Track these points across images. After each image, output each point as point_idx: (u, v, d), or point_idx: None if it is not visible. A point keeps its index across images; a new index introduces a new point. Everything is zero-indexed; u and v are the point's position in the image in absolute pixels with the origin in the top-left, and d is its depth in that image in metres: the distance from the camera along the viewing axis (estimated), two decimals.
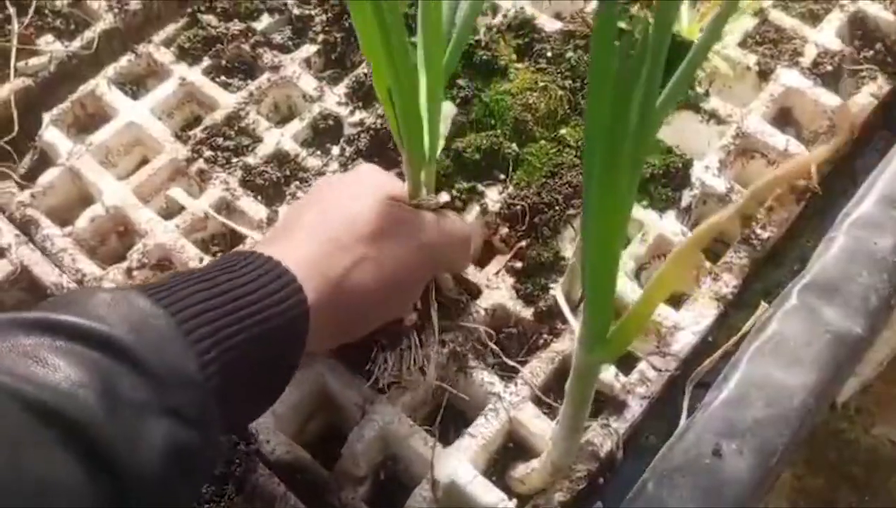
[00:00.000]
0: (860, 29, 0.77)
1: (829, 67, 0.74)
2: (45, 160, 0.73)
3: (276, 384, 0.49)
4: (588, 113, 0.36)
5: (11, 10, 0.79)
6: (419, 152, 0.55)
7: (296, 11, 0.80)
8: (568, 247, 0.65)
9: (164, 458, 0.39)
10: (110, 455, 0.37)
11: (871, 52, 0.75)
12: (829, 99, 0.72)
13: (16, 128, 0.73)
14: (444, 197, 0.60)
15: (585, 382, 0.47)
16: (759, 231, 0.67)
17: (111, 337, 0.40)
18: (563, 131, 0.70)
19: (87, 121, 0.76)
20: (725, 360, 0.58)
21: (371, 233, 0.53)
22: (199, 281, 0.45)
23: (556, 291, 0.60)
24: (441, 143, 0.59)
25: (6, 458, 0.34)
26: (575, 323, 0.57)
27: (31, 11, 0.80)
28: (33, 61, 0.78)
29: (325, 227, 0.53)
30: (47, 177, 0.71)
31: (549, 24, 0.78)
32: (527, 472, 0.55)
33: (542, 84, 0.72)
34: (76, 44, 0.79)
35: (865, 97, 0.72)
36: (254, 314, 0.45)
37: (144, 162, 0.73)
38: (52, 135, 0.73)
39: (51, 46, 0.79)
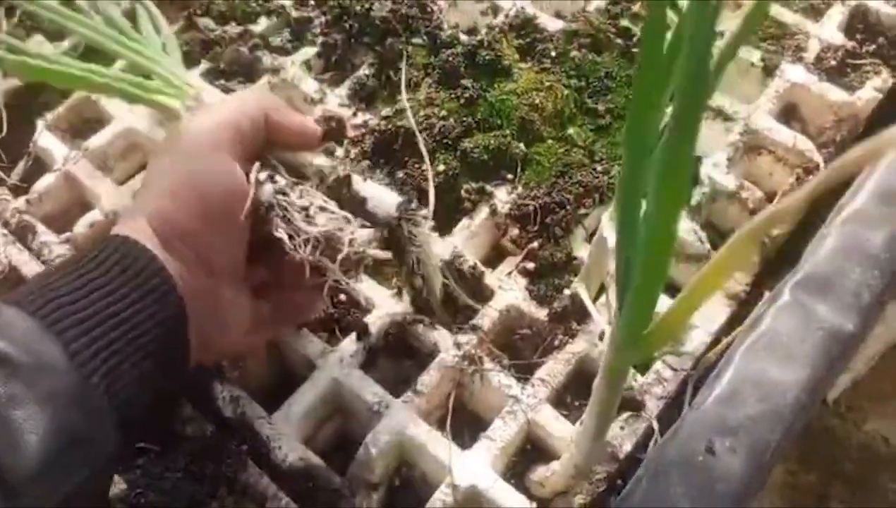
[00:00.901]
0: (862, 23, 0.77)
1: (833, 62, 0.74)
2: (39, 166, 0.71)
3: (166, 351, 0.48)
4: (636, 100, 0.36)
5: (1, 11, 0.77)
6: None
7: (294, 14, 0.79)
8: (580, 247, 0.64)
9: (44, 442, 0.39)
10: None
11: (874, 46, 0.75)
12: (835, 94, 0.71)
13: (5, 128, 0.71)
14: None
15: (615, 383, 0.46)
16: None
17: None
18: (570, 131, 0.69)
19: (83, 126, 0.74)
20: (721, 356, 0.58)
21: (150, 169, 0.54)
22: (60, 281, 0.45)
23: (580, 288, 0.59)
24: None
25: None
26: (600, 321, 0.57)
27: (18, 12, 0.78)
28: None
29: (138, 194, 0.54)
30: (43, 183, 0.69)
31: (550, 24, 0.77)
32: (547, 475, 0.54)
33: (547, 83, 0.71)
34: (65, 45, 0.77)
35: (869, 91, 0.72)
36: (112, 292, 0.46)
37: (142, 167, 0.71)
38: (46, 140, 0.71)
39: (40, 47, 0.77)
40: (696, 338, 0.61)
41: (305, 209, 0.52)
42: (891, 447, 1.03)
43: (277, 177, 0.53)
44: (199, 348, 0.50)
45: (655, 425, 0.57)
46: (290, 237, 0.50)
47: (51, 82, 0.61)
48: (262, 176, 0.52)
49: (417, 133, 0.65)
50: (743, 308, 0.64)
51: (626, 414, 0.58)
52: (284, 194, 0.52)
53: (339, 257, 0.51)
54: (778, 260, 0.67)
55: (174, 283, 0.48)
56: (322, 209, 0.52)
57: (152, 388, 0.48)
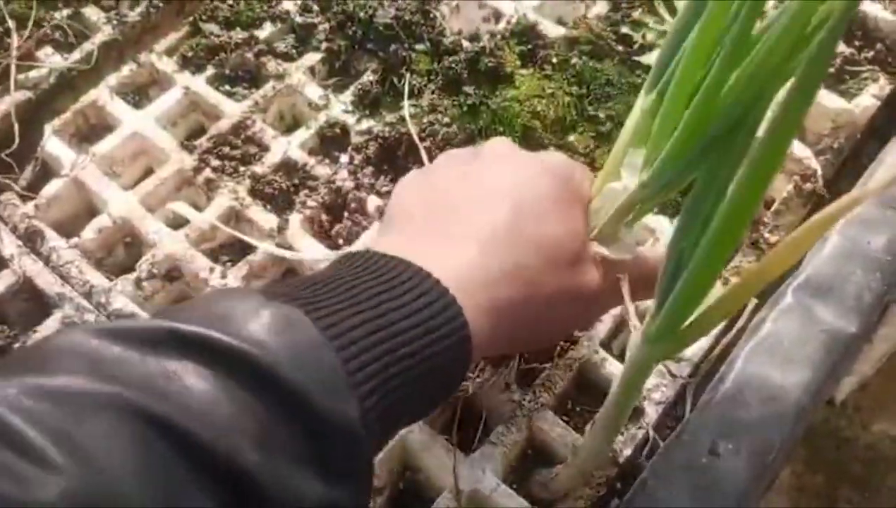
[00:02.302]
0: (860, 29, 0.78)
1: (831, 69, 0.74)
2: (47, 171, 0.72)
3: (422, 416, 0.47)
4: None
5: (11, 24, 0.78)
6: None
7: (298, 20, 0.80)
8: None
9: None
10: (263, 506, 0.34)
11: (872, 53, 0.75)
12: (833, 101, 0.72)
13: (17, 140, 0.72)
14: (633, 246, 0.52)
15: (638, 379, 0.47)
16: (766, 235, 0.67)
17: (273, 373, 0.35)
18: (571, 138, 0.70)
19: (90, 131, 0.75)
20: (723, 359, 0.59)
21: (557, 263, 0.45)
22: (363, 304, 0.40)
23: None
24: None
25: (157, 496, 0.31)
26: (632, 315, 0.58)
27: (30, 24, 0.79)
28: (33, 74, 0.77)
29: (492, 228, 0.45)
30: (51, 188, 0.70)
31: (552, 31, 0.78)
32: (551, 477, 0.55)
33: (549, 91, 0.72)
34: (75, 56, 0.78)
35: (867, 98, 0.73)
36: (416, 351, 0.40)
37: (149, 172, 0.72)
38: (54, 145, 0.72)
39: (50, 59, 0.78)
40: (696, 344, 0.62)
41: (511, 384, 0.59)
42: None
43: None
44: None
45: (651, 433, 0.58)
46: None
47: None
48: None
49: (418, 141, 0.66)
50: (741, 313, 0.65)
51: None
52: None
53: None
54: None
55: (469, 361, 0.43)
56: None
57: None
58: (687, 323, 0.43)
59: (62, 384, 0.32)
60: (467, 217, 0.46)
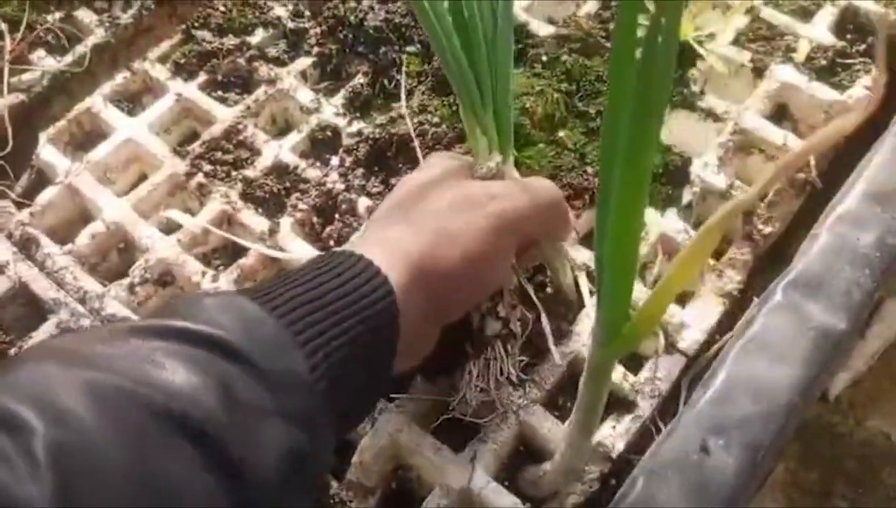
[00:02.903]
0: (852, 23, 0.78)
1: (823, 62, 0.74)
2: (42, 179, 0.73)
3: (377, 385, 0.49)
4: (608, 113, 0.37)
5: (3, 27, 0.79)
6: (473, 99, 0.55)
7: (290, 25, 0.81)
8: (572, 249, 0.65)
9: (281, 461, 0.39)
10: (234, 458, 0.37)
11: (864, 46, 0.75)
12: (825, 93, 0.72)
13: (10, 143, 0.73)
14: (497, 157, 0.57)
15: (600, 379, 0.47)
16: (760, 226, 0.67)
17: (223, 339, 0.40)
18: (561, 134, 0.70)
19: (84, 138, 0.75)
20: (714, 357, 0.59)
21: (439, 211, 0.52)
22: (298, 284, 0.45)
23: (581, 277, 0.61)
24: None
25: (134, 461, 0.34)
26: (589, 307, 0.58)
27: (22, 27, 0.80)
28: (26, 77, 0.78)
29: (400, 214, 0.53)
30: (46, 195, 0.70)
31: (542, 29, 0.78)
32: (539, 475, 0.55)
33: (538, 88, 0.72)
34: (68, 58, 0.79)
35: (859, 90, 0.72)
36: (352, 314, 0.45)
37: (143, 178, 0.73)
38: (49, 153, 0.73)
39: (43, 62, 0.79)
40: (689, 337, 0.62)
41: (505, 374, 0.56)
42: (892, 443, 1.03)
43: (511, 324, 0.56)
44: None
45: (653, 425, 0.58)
46: (476, 376, 0.55)
47: None
48: (501, 311, 0.56)
49: (416, 140, 0.67)
50: (736, 306, 0.65)
51: (617, 414, 0.59)
52: (504, 347, 0.56)
53: (483, 421, 0.57)
54: (770, 259, 0.68)
55: (398, 320, 0.48)
56: (512, 380, 0.57)
57: (364, 410, 0.49)
58: (627, 325, 0.43)
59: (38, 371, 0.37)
60: (384, 215, 0.55)
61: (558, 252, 0.60)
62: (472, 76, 0.55)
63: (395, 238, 0.51)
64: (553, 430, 0.57)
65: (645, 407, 0.59)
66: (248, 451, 0.38)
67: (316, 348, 0.43)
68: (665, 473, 0.50)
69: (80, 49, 0.79)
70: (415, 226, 0.51)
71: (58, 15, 0.82)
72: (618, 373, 0.59)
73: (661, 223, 0.67)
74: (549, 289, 0.62)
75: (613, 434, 0.57)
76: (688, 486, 0.50)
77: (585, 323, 0.61)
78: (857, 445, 1.02)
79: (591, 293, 0.63)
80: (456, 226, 0.51)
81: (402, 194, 0.55)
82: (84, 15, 0.82)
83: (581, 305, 0.63)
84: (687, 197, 0.68)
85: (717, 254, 0.66)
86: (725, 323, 0.63)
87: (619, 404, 0.59)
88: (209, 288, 0.64)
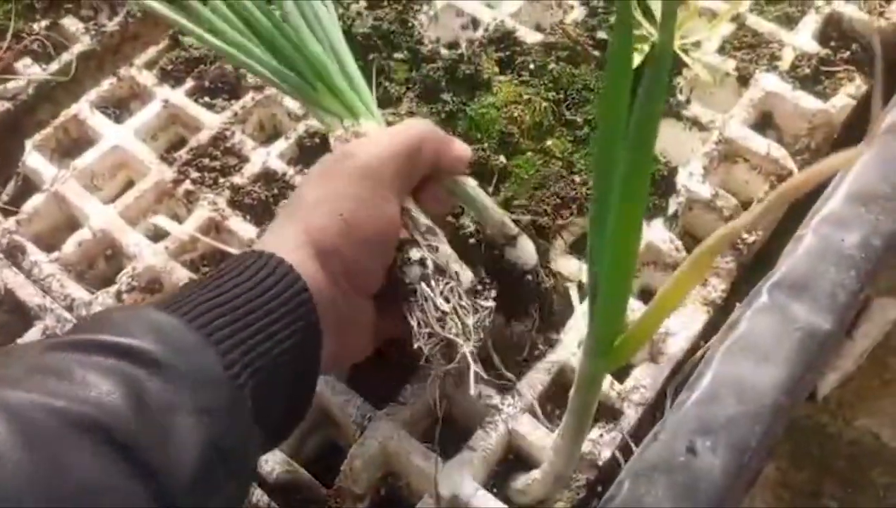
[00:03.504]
0: (836, 30, 0.78)
1: (807, 70, 0.75)
2: (29, 186, 0.72)
3: (306, 378, 0.50)
4: (601, 128, 0.37)
5: None
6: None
7: None
8: (558, 258, 0.66)
9: (200, 456, 0.40)
10: (144, 457, 0.38)
11: (848, 53, 0.76)
12: (809, 102, 0.73)
13: None
14: (346, 123, 0.59)
15: (590, 390, 0.47)
16: (745, 235, 0.68)
17: (133, 346, 0.41)
18: (549, 142, 0.71)
19: (71, 145, 0.75)
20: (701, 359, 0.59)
21: (311, 192, 0.54)
22: (207, 289, 0.47)
23: (571, 289, 0.61)
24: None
25: (48, 466, 0.35)
26: (581, 314, 0.58)
27: (8, 35, 0.80)
28: (11, 85, 0.77)
29: (287, 213, 0.55)
30: (32, 203, 0.70)
31: (529, 37, 0.78)
32: (528, 483, 0.56)
33: (526, 96, 0.72)
34: (54, 67, 0.79)
35: (843, 98, 0.73)
36: (259, 307, 0.46)
37: (130, 185, 0.73)
38: (35, 160, 0.72)
39: (29, 70, 0.78)
40: (675, 345, 0.62)
41: (442, 311, 0.54)
42: (881, 442, 1.04)
43: (428, 261, 0.55)
44: (328, 357, 0.51)
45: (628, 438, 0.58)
46: (419, 325, 0.54)
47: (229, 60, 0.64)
48: (415, 254, 0.55)
49: None
50: (720, 314, 0.65)
51: (604, 422, 0.59)
52: (429, 284, 0.54)
53: (450, 366, 0.54)
54: (754, 267, 0.68)
55: (312, 297, 0.49)
56: (457, 310, 0.55)
57: (288, 402, 0.49)
58: (619, 339, 0.43)
59: None
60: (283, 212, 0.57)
61: (463, 186, 0.59)
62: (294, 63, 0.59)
63: (287, 233, 0.52)
64: (541, 438, 0.57)
65: (631, 414, 0.59)
66: (162, 451, 0.39)
67: (231, 346, 0.44)
68: (652, 475, 0.51)
69: (66, 57, 0.79)
70: (297, 215, 0.53)
71: (44, 23, 0.82)
72: (604, 382, 0.60)
73: (646, 233, 0.67)
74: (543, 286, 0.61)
75: (601, 441, 0.58)
76: (675, 487, 0.50)
77: (573, 334, 0.62)
78: (847, 445, 1.03)
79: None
80: (323, 195, 0.53)
81: (298, 193, 0.57)
82: (70, 23, 0.82)
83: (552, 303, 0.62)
84: (673, 206, 0.69)
85: None
86: (710, 332, 0.64)
87: (607, 412, 0.59)
88: None
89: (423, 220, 0.56)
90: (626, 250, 0.40)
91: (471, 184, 0.59)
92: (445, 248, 0.56)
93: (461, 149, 0.58)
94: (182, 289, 0.48)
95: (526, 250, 0.60)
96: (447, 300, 0.54)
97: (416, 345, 0.53)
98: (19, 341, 0.63)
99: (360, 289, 0.54)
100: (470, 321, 0.54)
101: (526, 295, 0.60)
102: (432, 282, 0.54)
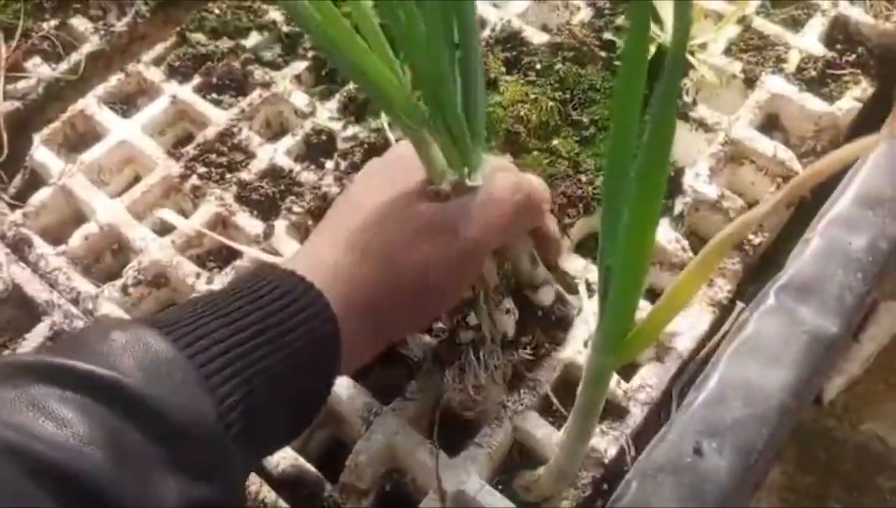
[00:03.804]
0: (842, 33, 0.79)
1: (813, 72, 0.75)
2: (36, 180, 0.72)
3: (310, 407, 0.46)
4: (615, 125, 0.37)
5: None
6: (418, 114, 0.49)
7: (285, 29, 0.81)
8: (566, 258, 0.66)
9: None
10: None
11: (854, 56, 0.76)
12: (815, 104, 0.73)
13: (5, 150, 0.73)
14: (451, 176, 0.52)
15: (598, 387, 0.47)
16: (750, 236, 0.68)
17: (123, 387, 0.37)
18: (555, 142, 0.71)
19: (78, 140, 0.75)
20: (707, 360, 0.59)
21: (397, 241, 0.49)
22: (218, 313, 0.42)
23: (581, 286, 0.62)
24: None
25: None
26: (587, 308, 0.58)
27: (17, 34, 0.80)
28: (21, 84, 0.78)
29: (351, 228, 0.49)
30: (39, 196, 0.70)
31: (536, 37, 0.79)
32: (533, 480, 0.55)
33: (532, 96, 0.72)
34: (63, 66, 0.79)
35: (849, 101, 0.73)
36: (277, 340, 0.42)
37: (137, 180, 0.73)
38: (42, 154, 0.73)
39: (38, 69, 0.79)
40: (680, 345, 0.62)
41: (479, 381, 0.56)
42: (887, 447, 1.04)
43: (484, 329, 0.56)
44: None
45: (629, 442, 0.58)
46: (454, 380, 0.56)
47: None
48: (473, 321, 0.55)
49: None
50: (726, 315, 0.65)
51: (610, 420, 0.59)
52: (476, 354, 0.56)
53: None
54: (761, 268, 0.68)
55: (339, 340, 0.45)
56: (494, 377, 0.57)
57: (290, 439, 0.47)
58: (629, 335, 0.43)
59: None
60: (332, 224, 0.52)
61: (517, 239, 0.58)
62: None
63: (341, 259, 0.47)
64: (547, 435, 0.57)
65: (637, 413, 0.59)
66: (137, 505, 0.35)
67: (231, 389, 0.40)
68: (658, 475, 0.51)
69: (75, 57, 0.79)
70: (366, 257, 0.48)
71: (53, 23, 0.82)
72: (611, 380, 0.60)
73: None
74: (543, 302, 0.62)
75: (606, 440, 0.58)
76: (681, 489, 0.50)
77: (580, 330, 0.62)
78: (853, 449, 1.03)
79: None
80: (415, 260, 0.48)
81: (355, 194, 0.52)
82: (79, 23, 0.82)
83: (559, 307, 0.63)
84: (679, 206, 0.69)
85: None
86: (716, 332, 0.64)
87: (613, 410, 0.59)
88: (203, 291, 0.64)
89: (494, 280, 0.56)
90: (640, 247, 0.40)
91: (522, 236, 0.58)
92: (504, 306, 0.57)
93: (553, 230, 0.57)
94: (191, 305, 0.43)
95: (549, 295, 0.61)
96: (487, 368, 0.56)
97: (444, 396, 0.56)
98: (27, 337, 0.63)
99: (386, 344, 0.52)
100: (502, 387, 0.58)
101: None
102: (480, 352, 0.56)
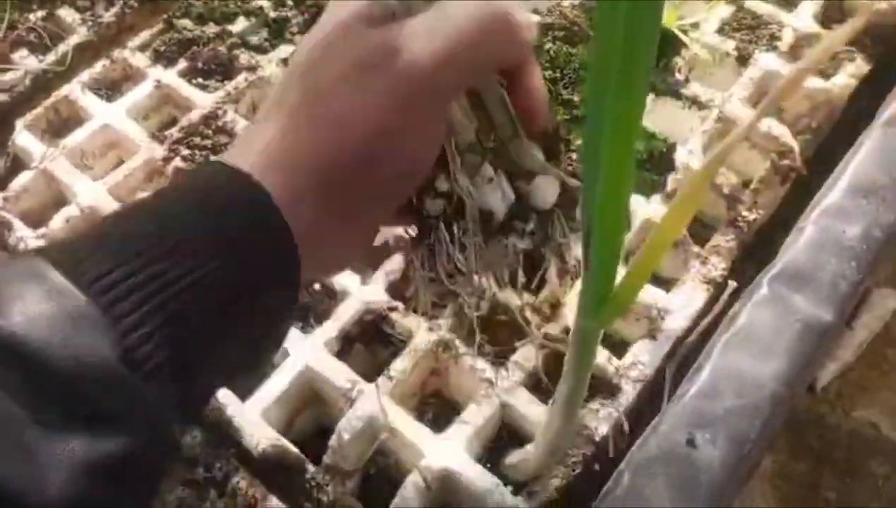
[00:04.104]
0: (836, 12, 0.78)
1: (808, 50, 0.74)
2: (18, 164, 0.72)
3: (270, 323, 0.38)
4: (594, 59, 0.35)
5: None
6: None
7: (272, 14, 0.80)
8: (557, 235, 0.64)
9: (79, 480, 0.30)
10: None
11: None
12: (810, 81, 0.72)
13: None
14: None
15: (586, 351, 0.45)
16: (745, 213, 0.66)
17: (8, 335, 0.30)
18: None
19: (61, 125, 0.74)
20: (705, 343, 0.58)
21: (327, 89, 0.37)
22: (126, 230, 0.34)
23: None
24: None
25: None
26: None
27: (4, 26, 0.79)
28: (8, 76, 0.77)
29: (283, 106, 0.38)
30: (20, 180, 0.69)
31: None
32: (522, 458, 0.54)
33: None
34: (50, 57, 0.78)
35: (844, 78, 0.72)
36: (202, 252, 0.34)
37: (121, 164, 0.72)
38: (24, 139, 0.72)
39: (25, 61, 0.78)
40: (674, 322, 0.61)
41: (451, 258, 0.43)
42: (879, 433, 1.03)
43: (462, 196, 0.42)
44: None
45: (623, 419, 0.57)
46: (422, 266, 0.43)
47: None
48: (443, 185, 0.42)
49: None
50: (720, 292, 0.64)
51: (601, 398, 0.57)
52: (449, 228, 0.42)
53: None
54: (754, 247, 0.67)
55: (291, 239, 0.36)
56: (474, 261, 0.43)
57: (241, 368, 0.38)
58: (613, 292, 0.42)
59: None
60: (273, 100, 0.40)
61: (498, 89, 0.42)
62: None
63: (273, 139, 0.37)
64: (536, 413, 0.56)
65: (629, 390, 0.58)
66: (19, 483, 0.29)
67: (141, 318, 0.32)
68: (652, 467, 0.50)
69: (63, 48, 0.79)
70: (297, 118, 0.37)
71: (40, 14, 0.81)
72: (602, 357, 0.58)
73: (645, 209, 0.66)
74: None
75: (597, 417, 0.56)
76: (674, 480, 0.49)
77: (568, 309, 0.60)
78: (845, 435, 1.02)
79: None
80: (347, 104, 0.37)
81: (290, 73, 0.40)
82: (66, 14, 0.82)
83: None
84: (671, 183, 0.68)
85: (702, 241, 0.66)
86: (709, 310, 0.62)
87: (604, 388, 0.58)
88: None
89: (469, 133, 0.42)
90: (615, 208, 0.39)
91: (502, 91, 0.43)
92: (486, 174, 0.43)
93: (535, 78, 0.42)
94: (104, 224, 0.35)
95: (546, 194, 0.45)
96: (464, 247, 0.43)
97: (412, 286, 0.44)
98: None
99: (359, 225, 0.41)
100: (485, 281, 0.44)
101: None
102: (453, 227, 0.42)
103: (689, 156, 0.68)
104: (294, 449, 0.56)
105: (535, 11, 0.80)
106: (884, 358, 1.01)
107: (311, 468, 0.55)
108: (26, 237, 0.65)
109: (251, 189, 0.35)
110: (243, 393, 0.57)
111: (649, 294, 0.62)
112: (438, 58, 0.37)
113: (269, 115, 0.38)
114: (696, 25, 0.76)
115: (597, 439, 0.56)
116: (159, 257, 0.33)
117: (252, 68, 0.75)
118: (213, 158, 0.37)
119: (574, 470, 0.55)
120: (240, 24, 0.80)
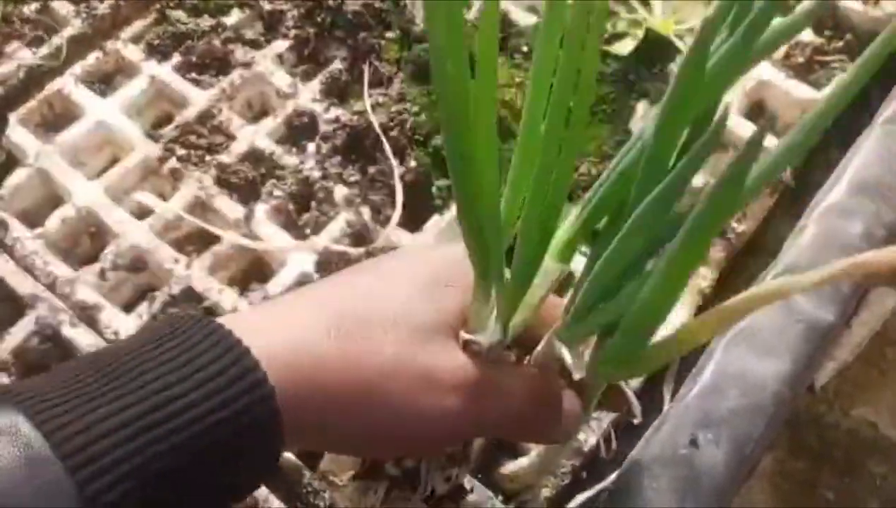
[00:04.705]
0: (830, 19, 0.78)
1: (801, 59, 0.74)
2: (11, 161, 0.71)
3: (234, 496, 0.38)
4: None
5: None
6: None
7: (267, 7, 0.79)
8: None
9: None
10: None
11: (842, 43, 0.76)
12: (802, 91, 0.72)
13: None
14: (496, 335, 0.42)
15: (591, 395, 0.47)
16: (734, 224, 0.67)
17: None
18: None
19: (55, 120, 0.74)
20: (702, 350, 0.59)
21: (391, 356, 0.38)
22: (106, 387, 0.33)
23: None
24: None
25: None
26: None
27: None
28: (2, 69, 0.76)
29: (343, 302, 0.40)
30: (15, 178, 0.69)
31: (523, 19, 0.78)
32: (516, 469, 0.55)
33: (518, 80, 0.71)
34: (44, 50, 0.77)
35: (835, 88, 0.72)
36: (175, 416, 0.33)
37: (115, 161, 0.71)
38: (18, 135, 0.71)
39: (18, 54, 0.77)
40: (664, 333, 0.62)
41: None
42: (878, 432, 1.05)
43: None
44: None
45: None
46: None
47: None
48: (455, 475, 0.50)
49: (381, 133, 0.66)
50: (709, 303, 0.65)
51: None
52: (389, 493, 0.50)
53: None
54: (744, 256, 0.68)
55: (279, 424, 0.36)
56: None
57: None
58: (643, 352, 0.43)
59: None
60: (313, 291, 0.44)
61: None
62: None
63: (314, 328, 0.38)
64: None
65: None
66: None
67: (106, 485, 0.31)
68: (654, 467, 0.51)
69: (57, 41, 0.77)
70: (338, 341, 0.38)
71: (34, 6, 0.80)
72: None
73: None
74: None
75: (586, 428, 0.58)
76: (677, 480, 0.50)
77: None
78: (844, 434, 1.04)
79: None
80: (418, 386, 0.39)
81: (361, 292, 0.41)
82: (60, 6, 0.80)
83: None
84: None
85: None
86: None
87: None
88: (182, 275, 0.63)
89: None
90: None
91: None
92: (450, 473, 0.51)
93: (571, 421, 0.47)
94: (88, 370, 0.35)
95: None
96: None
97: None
98: (11, 331, 0.61)
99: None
100: None
101: None
102: (392, 493, 0.50)
103: None
104: (291, 456, 0.57)
105: (533, 10, 0.80)
106: (882, 357, 1.03)
107: (307, 473, 0.57)
108: (23, 237, 0.65)
109: (255, 375, 0.35)
110: None
111: None
112: (471, 423, 0.41)
113: (309, 308, 0.39)
114: (692, 31, 0.76)
115: (585, 450, 0.57)
116: (142, 431, 0.33)
117: (247, 64, 0.75)
118: (219, 324, 0.36)
119: (563, 480, 0.57)
120: (234, 17, 0.79)
